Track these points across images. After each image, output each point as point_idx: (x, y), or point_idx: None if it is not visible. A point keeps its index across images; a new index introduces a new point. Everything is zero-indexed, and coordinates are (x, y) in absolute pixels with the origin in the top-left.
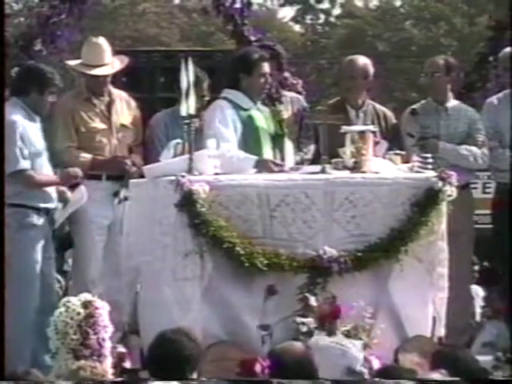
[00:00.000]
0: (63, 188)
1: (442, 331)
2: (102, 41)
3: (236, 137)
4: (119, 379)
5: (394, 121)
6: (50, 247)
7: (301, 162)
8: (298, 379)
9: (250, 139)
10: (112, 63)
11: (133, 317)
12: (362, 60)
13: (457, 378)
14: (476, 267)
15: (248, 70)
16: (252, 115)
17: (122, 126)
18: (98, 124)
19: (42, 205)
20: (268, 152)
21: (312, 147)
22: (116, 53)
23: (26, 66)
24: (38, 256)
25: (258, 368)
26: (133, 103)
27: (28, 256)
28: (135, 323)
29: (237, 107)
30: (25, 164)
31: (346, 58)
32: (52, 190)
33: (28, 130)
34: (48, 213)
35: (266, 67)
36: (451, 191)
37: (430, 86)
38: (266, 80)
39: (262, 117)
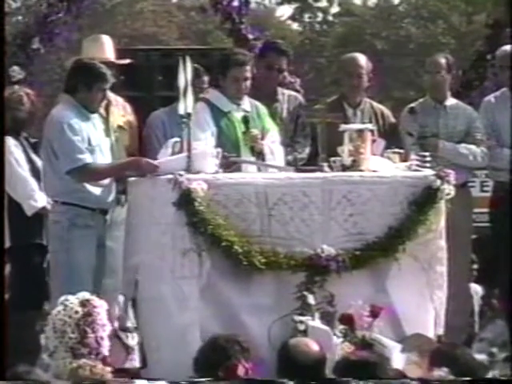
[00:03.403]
0: None
1: (441, 329)
2: (105, 37)
3: (207, 139)
4: (120, 379)
5: (392, 119)
6: (103, 246)
7: (294, 162)
8: (309, 378)
9: (227, 142)
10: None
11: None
12: (363, 57)
13: (466, 378)
14: (475, 265)
15: (223, 72)
16: (231, 118)
17: (119, 127)
18: None
19: (97, 205)
20: (247, 156)
21: (308, 146)
22: (118, 51)
23: (74, 63)
24: (89, 256)
25: (240, 371)
26: (128, 108)
27: (78, 256)
28: (133, 321)
29: (215, 110)
30: (86, 158)
31: (345, 56)
32: (110, 189)
33: (81, 127)
34: (103, 213)
35: (242, 72)
36: (449, 190)
37: (432, 84)
38: (240, 85)
39: (244, 120)
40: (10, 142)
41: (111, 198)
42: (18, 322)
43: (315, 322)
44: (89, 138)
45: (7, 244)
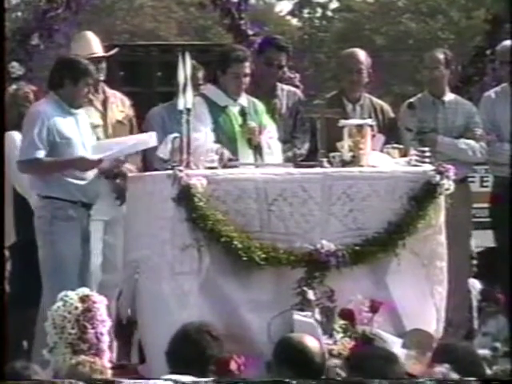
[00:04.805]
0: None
1: (441, 325)
2: (89, 33)
3: (207, 134)
4: (120, 379)
5: (391, 114)
6: (87, 240)
7: (294, 158)
8: (307, 375)
9: (224, 136)
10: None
11: (131, 311)
12: (362, 53)
13: (469, 378)
14: (474, 261)
15: (222, 68)
16: (228, 113)
17: (118, 122)
18: (95, 120)
19: (79, 198)
20: (244, 150)
21: (307, 141)
22: (113, 47)
23: (59, 59)
24: (74, 248)
25: (233, 366)
26: (127, 102)
27: (62, 249)
28: (133, 317)
29: (212, 105)
30: (36, 153)
31: (345, 52)
32: (94, 184)
33: (57, 120)
34: (86, 206)
35: (241, 68)
36: (449, 185)
37: (431, 80)
38: (240, 81)
39: (241, 113)
40: (17, 137)
41: (94, 192)
42: (23, 317)
43: (299, 316)
44: (63, 132)
45: (13, 239)
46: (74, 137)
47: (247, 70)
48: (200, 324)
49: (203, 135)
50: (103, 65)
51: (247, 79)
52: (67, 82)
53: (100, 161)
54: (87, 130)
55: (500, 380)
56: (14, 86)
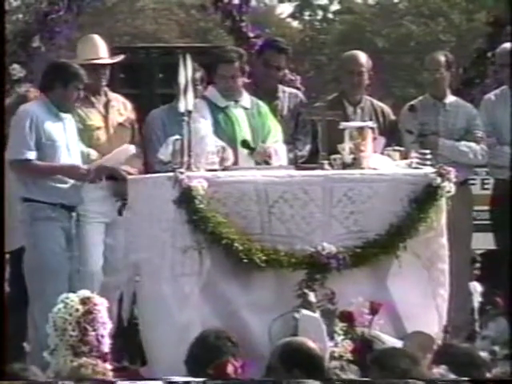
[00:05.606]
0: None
1: (443, 327)
2: (96, 37)
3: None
4: (121, 381)
5: (392, 117)
6: (72, 243)
7: (295, 160)
8: (308, 377)
9: (224, 136)
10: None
11: (131, 313)
12: (363, 55)
13: (466, 378)
14: (475, 263)
15: (214, 69)
16: (229, 114)
17: (120, 124)
18: (96, 122)
19: (58, 200)
20: (244, 150)
21: (308, 143)
22: (114, 49)
23: (51, 62)
24: (57, 248)
25: (230, 369)
26: (129, 105)
27: (44, 249)
28: (134, 319)
29: (213, 106)
30: (28, 154)
31: (345, 54)
32: (75, 188)
33: (45, 121)
34: (67, 208)
35: (229, 69)
36: (450, 187)
37: (432, 82)
38: (228, 82)
39: (242, 115)
40: None
41: (76, 195)
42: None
43: (305, 311)
44: (49, 134)
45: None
46: (59, 139)
47: (236, 72)
48: (218, 330)
49: (204, 130)
50: (107, 70)
51: (238, 80)
52: (57, 85)
53: (90, 171)
54: (73, 135)
55: (500, 380)
56: (22, 88)
